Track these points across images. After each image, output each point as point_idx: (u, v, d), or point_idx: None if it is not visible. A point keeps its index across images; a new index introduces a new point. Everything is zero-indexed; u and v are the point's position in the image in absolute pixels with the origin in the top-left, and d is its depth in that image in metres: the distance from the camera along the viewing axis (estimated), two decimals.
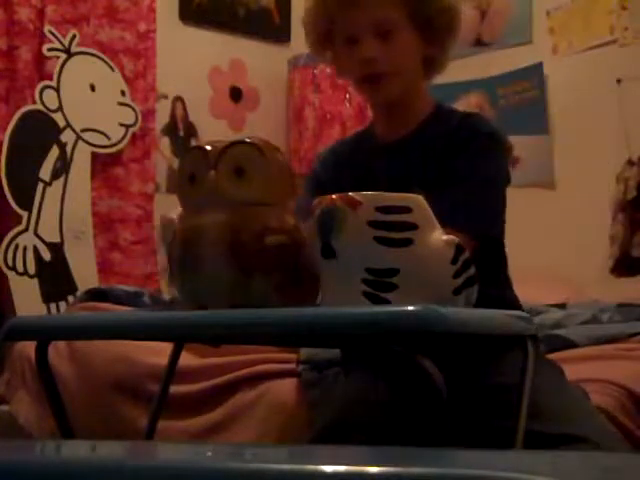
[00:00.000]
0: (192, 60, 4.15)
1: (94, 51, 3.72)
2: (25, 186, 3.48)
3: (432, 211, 1.14)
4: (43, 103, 3.54)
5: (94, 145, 3.70)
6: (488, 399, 1.44)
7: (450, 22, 1.61)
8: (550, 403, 1.37)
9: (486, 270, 1.49)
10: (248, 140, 1.21)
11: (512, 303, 1.59)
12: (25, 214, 3.47)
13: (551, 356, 1.76)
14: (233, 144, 1.21)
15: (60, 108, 3.60)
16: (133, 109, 3.80)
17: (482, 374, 1.48)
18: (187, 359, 1.97)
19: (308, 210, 1.28)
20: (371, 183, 1.43)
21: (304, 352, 1.99)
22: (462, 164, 1.52)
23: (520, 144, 3.87)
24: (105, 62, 3.74)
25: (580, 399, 1.48)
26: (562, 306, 2.80)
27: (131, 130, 3.80)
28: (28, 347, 2.39)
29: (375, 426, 1.36)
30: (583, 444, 1.29)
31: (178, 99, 4.15)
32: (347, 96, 4.19)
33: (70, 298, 3.47)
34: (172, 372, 1.60)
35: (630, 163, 3.54)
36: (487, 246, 1.50)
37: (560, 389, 1.45)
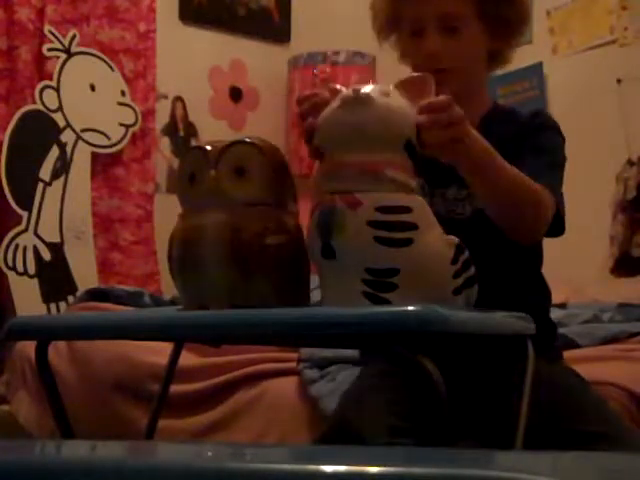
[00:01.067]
0: (192, 60, 4.15)
1: (94, 51, 3.72)
2: (25, 186, 3.48)
3: None
4: (43, 103, 3.54)
5: (94, 145, 3.69)
6: (490, 399, 1.44)
7: (519, 16, 1.59)
8: (576, 401, 1.41)
9: (525, 269, 1.51)
10: (248, 140, 1.21)
11: (540, 309, 1.59)
12: (25, 214, 3.46)
13: None
14: (233, 144, 1.21)
15: (60, 108, 3.60)
16: (133, 109, 3.80)
17: (484, 374, 1.48)
18: (187, 359, 1.98)
19: None
20: (436, 177, 1.44)
21: (305, 350, 1.99)
22: (533, 149, 1.51)
23: None
24: (105, 62, 3.74)
25: (604, 401, 1.51)
26: (562, 306, 2.80)
27: (131, 130, 3.79)
28: (28, 347, 2.40)
29: (390, 428, 1.36)
30: (615, 443, 1.31)
31: (178, 99, 4.15)
32: None
33: (70, 298, 3.46)
34: (172, 372, 1.60)
35: (630, 163, 3.54)
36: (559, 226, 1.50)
37: (587, 389, 1.48)
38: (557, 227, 1.52)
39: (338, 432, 1.38)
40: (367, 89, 1.16)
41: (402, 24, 1.58)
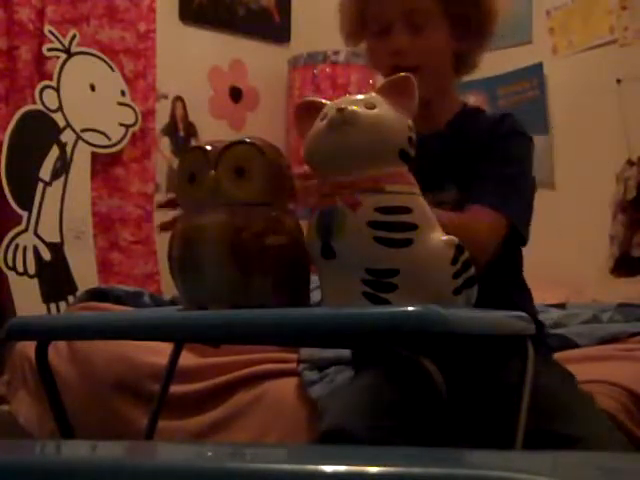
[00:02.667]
0: (192, 60, 4.15)
1: (94, 51, 3.72)
2: (25, 186, 3.48)
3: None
4: (43, 103, 3.54)
5: (94, 145, 3.69)
6: (490, 400, 1.44)
7: (486, 19, 1.58)
8: (561, 403, 1.39)
9: (509, 269, 1.51)
10: (248, 140, 1.21)
11: (528, 308, 1.59)
12: (25, 214, 3.46)
13: None
14: (233, 144, 1.21)
15: (60, 108, 3.59)
16: (133, 109, 3.80)
17: (484, 375, 1.48)
18: (187, 359, 1.98)
19: None
20: (421, 181, 1.43)
21: (304, 351, 1.99)
22: (499, 158, 1.51)
23: None
24: (105, 62, 3.74)
25: (590, 402, 1.49)
26: (562, 306, 2.80)
27: (131, 130, 3.79)
28: (28, 347, 2.39)
29: (382, 428, 1.35)
30: (586, 446, 1.30)
31: (178, 99, 4.15)
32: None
33: (70, 298, 3.46)
34: (172, 372, 1.60)
35: (630, 163, 3.54)
36: (512, 243, 1.49)
37: (573, 391, 1.46)
38: (518, 239, 1.52)
39: (333, 433, 1.38)
40: (352, 105, 1.14)
41: (368, 24, 1.59)
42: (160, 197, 3.95)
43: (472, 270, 1.16)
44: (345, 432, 1.34)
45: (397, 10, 1.53)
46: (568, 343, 2.16)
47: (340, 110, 1.13)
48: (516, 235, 1.50)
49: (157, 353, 2.04)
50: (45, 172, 3.53)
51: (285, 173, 1.23)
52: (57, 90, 3.59)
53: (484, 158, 1.51)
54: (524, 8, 3.95)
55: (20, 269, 3.42)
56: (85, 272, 3.57)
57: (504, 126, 1.56)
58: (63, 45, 3.61)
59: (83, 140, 3.65)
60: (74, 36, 3.64)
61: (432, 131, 1.55)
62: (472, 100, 3.95)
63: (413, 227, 1.12)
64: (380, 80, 1.49)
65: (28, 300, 3.40)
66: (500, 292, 1.47)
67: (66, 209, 3.57)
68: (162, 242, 3.53)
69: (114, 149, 3.76)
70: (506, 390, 1.35)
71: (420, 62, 1.53)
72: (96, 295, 2.64)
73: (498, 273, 1.47)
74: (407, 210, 1.12)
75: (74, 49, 3.65)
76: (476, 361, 1.49)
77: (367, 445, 1.28)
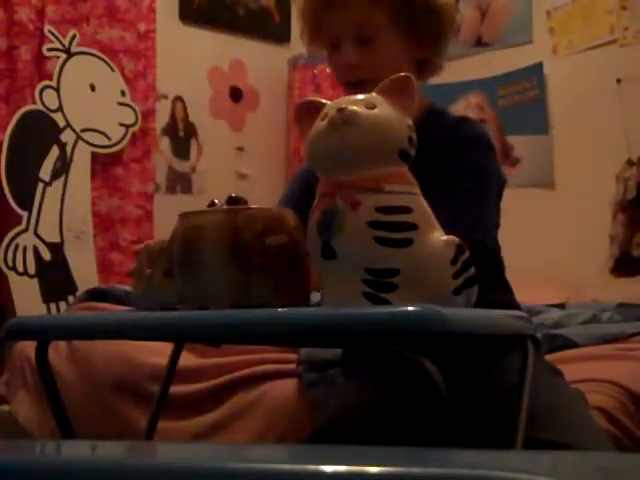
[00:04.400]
0: (192, 60, 4.15)
1: (94, 51, 3.72)
2: (25, 186, 3.48)
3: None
4: (43, 103, 3.54)
5: (94, 145, 3.70)
6: (489, 400, 1.44)
7: (439, 23, 1.56)
8: (542, 408, 1.35)
9: (484, 276, 1.50)
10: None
11: (512, 307, 1.58)
12: (25, 214, 3.47)
13: (551, 356, 1.76)
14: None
15: (60, 108, 3.60)
16: (133, 109, 3.80)
17: (483, 375, 1.48)
18: (187, 359, 1.97)
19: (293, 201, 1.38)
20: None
21: (304, 352, 1.99)
22: (454, 169, 1.48)
23: (520, 144, 3.88)
24: (105, 62, 3.74)
25: (575, 405, 1.45)
26: (562, 306, 2.80)
27: (131, 130, 3.80)
28: (28, 347, 2.40)
29: (373, 428, 1.35)
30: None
31: (178, 99, 4.15)
32: None
33: (70, 298, 3.47)
34: (172, 372, 1.60)
35: (630, 163, 3.54)
36: (480, 254, 1.47)
37: (556, 394, 1.43)
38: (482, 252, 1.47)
39: (324, 433, 1.37)
40: (352, 105, 1.14)
41: (321, 37, 1.59)
42: (160, 197, 3.95)
43: (472, 270, 1.16)
44: (337, 432, 1.34)
45: (346, 24, 1.52)
46: (568, 343, 2.16)
47: (340, 110, 1.13)
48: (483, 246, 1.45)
49: (157, 353, 2.04)
50: (45, 172, 3.53)
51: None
52: (57, 90, 3.59)
53: (437, 171, 1.46)
54: (524, 8, 3.95)
55: (20, 269, 3.42)
56: (85, 272, 3.57)
57: (458, 134, 1.53)
58: (63, 45, 3.61)
59: (83, 140, 3.66)
60: (74, 36, 3.64)
61: None
62: (472, 100, 3.96)
63: (413, 227, 1.12)
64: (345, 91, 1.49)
65: (28, 300, 3.40)
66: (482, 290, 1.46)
67: (66, 209, 3.57)
68: None
69: (114, 149, 3.76)
70: (505, 390, 1.35)
71: (374, 75, 1.47)
72: (96, 295, 2.64)
73: (481, 272, 1.46)
74: (407, 210, 1.12)
75: (74, 49, 3.65)
76: (475, 361, 1.49)
77: (363, 445, 1.28)
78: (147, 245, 1.34)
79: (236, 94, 4.38)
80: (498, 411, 1.35)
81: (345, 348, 1.70)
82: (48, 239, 3.52)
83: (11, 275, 3.40)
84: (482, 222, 1.49)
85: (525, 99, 3.89)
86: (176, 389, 1.91)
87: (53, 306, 3.50)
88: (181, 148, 4.14)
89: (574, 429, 1.35)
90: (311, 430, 1.43)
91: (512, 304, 1.59)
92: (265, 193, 3.50)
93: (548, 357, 1.66)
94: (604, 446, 1.38)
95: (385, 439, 1.32)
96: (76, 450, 0.91)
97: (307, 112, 1.20)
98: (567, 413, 1.40)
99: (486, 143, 1.55)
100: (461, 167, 1.49)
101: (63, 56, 3.62)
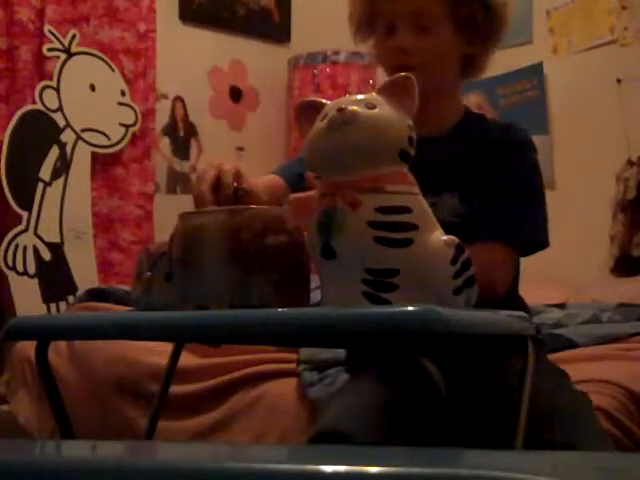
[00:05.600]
0: (192, 60, 4.15)
1: (94, 51, 3.72)
2: (25, 186, 3.48)
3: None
4: (43, 103, 3.54)
5: (94, 145, 3.70)
6: (492, 400, 1.44)
7: (494, 21, 1.59)
8: (547, 409, 1.35)
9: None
10: None
11: (520, 305, 1.59)
12: (25, 214, 3.47)
13: (551, 356, 1.76)
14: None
15: (60, 108, 3.60)
16: (133, 109, 3.80)
17: (486, 375, 1.48)
18: (187, 359, 1.97)
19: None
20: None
21: (304, 352, 1.99)
22: (516, 169, 1.54)
23: None
24: (105, 62, 3.74)
25: (579, 405, 1.45)
26: (562, 306, 2.80)
27: (131, 130, 3.80)
28: (28, 347, 2.40)
29: (376, 428, 1.35)
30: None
31: (178, 99, 4.15)
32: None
33: (70, 298, 3.47)
34: (172, 372, 1.60)
35: (630, 163, 3.54)
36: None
37: (559, 394, 1.44)
38: (536, 247, 1.58)
39: (326, 433, 1.37)
40: (352, 105, 1.14)
41: (376, 22, 1.60)
42: (160, 197, 3.95)
43: (472, 270, 1.16)
44: (338, 433, 1.34)
45: (404, 10, 1.54)
46: (568, 343, 2.16)
47: (340, 110, 1.13)
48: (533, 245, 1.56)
49: (157, 353, 2.04)
50: (45, 172, 3.53)
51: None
52: (57, 90, 3.59)
53: (494, 172, 1.52)
54: (524, 8, 3.95)
55: (20, 269, 3.42)
56: (85, 272, 3.57)
57: (513, 138, 1.57)
58: (63, 45, 3.61)
59: (83, 140, 3.66)
60: (74, 36, 3.65)
61: (430, 134, 1.53)
62: (472, 100, 3.96)
63: (413, 227, 1.12)
64: (383, 79, 1.48)
65: (28, 300, 3.40)
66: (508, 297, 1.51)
67: (66, 209, 3.57)
68: None
69: (114, 149, 3.76)
70: (504, 390, 1.34)
71: (423, 62, 1.53)
72: (96, 295, 2.65)
73: None
74: (407, 210, 1.12)
75: (74, 49, 3.65)
76: (475, 361, 1.49)
77: (364, 446, 1.28)
78: (147, 249, 1.34)
79: (236, 94, 4.38)
80: (501, 411, 1.35)
81: (345, 348, 1.70)
82: (48, 239, 3.52)
83: (11, 275, 3.40)
84: (539, 226, 1.58)
85: (525, 99, 3.89)
86: (176, 389, 1.91)
87: (53, 306, 3.50)
88: (181, 148, 4.14)
89: (576, 430, 1.35)
90: (313, 431, 1.42)
91: (525, 305, 1.63)
92: None
93: (548, 357, 1.66)
94: (608, 447, 1.38)
95: (388, 439, 1.32)
96: (76, 450, 0.91)
97: (307, 112, 1.19)
98: (570, 413, 1.40)
99: (533, 149, 1.60)
100: (522, 168, 1.55)
101: (63, 56, 3.62)
